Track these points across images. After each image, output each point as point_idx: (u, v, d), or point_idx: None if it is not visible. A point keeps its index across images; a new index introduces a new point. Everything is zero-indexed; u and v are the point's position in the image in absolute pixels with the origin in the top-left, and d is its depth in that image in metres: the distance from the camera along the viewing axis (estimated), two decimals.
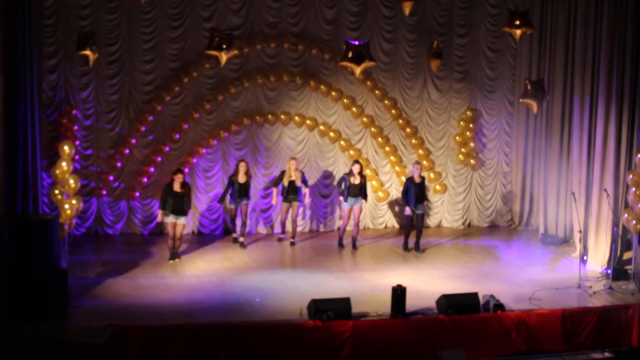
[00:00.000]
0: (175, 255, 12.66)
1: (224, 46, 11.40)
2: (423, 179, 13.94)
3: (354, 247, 13.72)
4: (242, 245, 13.64)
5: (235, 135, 14.76)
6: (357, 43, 11.61)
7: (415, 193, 13.61)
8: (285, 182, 13.70)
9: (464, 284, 11.68)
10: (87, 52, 11.63)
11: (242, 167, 13.54)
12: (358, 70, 11.39)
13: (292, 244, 13.95)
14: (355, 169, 13.54)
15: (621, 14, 12.42)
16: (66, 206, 10.99)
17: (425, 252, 13.61)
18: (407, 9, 11.66)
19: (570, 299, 11.13)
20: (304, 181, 13.87)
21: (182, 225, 12.77)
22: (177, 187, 12.53)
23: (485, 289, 11.07)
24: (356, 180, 13.53)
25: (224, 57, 11.51)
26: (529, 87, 12.99)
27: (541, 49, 14.92)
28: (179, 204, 12.50)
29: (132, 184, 14.37)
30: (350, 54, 11.43)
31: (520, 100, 13.00)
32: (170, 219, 12.53)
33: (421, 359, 9.84)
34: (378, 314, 10.17)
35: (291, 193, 13.74)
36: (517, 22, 11.88)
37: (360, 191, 13.61)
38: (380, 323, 9.97)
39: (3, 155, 9.83)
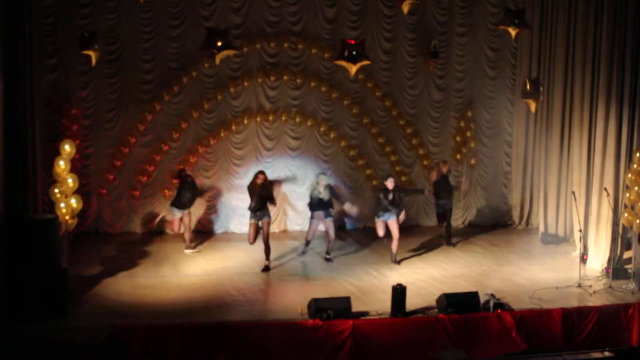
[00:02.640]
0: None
1: (219, 44, 11.40)
2: (442, 176, 13.89)
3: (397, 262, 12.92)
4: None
5: (235, 134, 14.77)
6: (352, 42, 11.61)
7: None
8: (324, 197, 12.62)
9: (464, 283, 11.69)
10: (91, 52, 11.65)
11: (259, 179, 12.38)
12: (353, 69, 11.39)
13: (328, 259, 12.91)
14: (390, 184, 12.75)
15: (621, 14, 12.41)
16: (61, 205, 10.98)
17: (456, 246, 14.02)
18: (405, 7, 11.65)
19: (570, 298, 11.13)
20: (335, 196, 12.85)
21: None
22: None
23: (486, 288, 11.09)
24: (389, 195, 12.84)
25: (218, 56, 11.52)
26: (528, 86, 13.02)
27: (541, 49, 14.92)
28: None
29: (132, 183, 14.38)
30: (346, 53, 11.44)
31: (523, 99, 13.04)
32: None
33: (421, 358, 9.84)
34: (378, 313, 10.17)
35: (320, 209, 12.68)
36: (512, 21, 11.92)
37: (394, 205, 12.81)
38: (381, 322, 9.96)
39: (3, 155, 9.83)
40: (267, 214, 12.40)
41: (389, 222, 12.74)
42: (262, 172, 12.41)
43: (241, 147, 14.85)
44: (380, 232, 12.81)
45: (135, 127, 14.30)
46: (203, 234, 14.62)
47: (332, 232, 12.80)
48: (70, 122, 13.81)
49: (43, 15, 13.16)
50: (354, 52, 11.47)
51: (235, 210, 14.64)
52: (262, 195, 12.23)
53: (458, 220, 15.89)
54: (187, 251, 13.11)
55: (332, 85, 15.02)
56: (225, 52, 11.71)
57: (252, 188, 12.26)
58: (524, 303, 10.76)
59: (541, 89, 13.34)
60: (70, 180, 11.19)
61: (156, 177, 14.45)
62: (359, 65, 11.45)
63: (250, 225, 12.35)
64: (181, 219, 13.13)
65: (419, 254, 13.48)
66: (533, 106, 13.37)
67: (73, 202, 11.19)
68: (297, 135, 15.07)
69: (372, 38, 14.86)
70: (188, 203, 13.07)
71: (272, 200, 12.46)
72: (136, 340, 9.33)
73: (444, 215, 14.11)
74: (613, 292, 11.45)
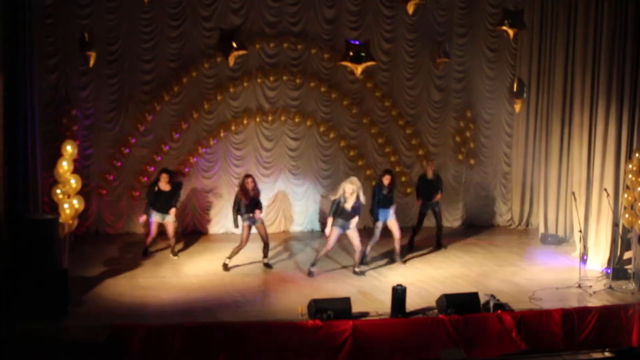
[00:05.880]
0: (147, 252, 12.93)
1: (235, 45, 11.47)
2: (437, 176, 13.90)
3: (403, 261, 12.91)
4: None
5: (235, 134, 14.77)
6: (357, 43, 11.64)
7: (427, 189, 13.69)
8: (348, 207, 11.73)
9: (464, 283, 11.69)
10: (91, 52, 11.68)
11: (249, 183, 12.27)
12: (359, 69, 11.40)
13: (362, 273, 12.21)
14: (386, 180, 12.54)
15: (621, 14, 12.42)
16: (65, 205, 10.99)
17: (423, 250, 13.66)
18: (410, 8, 11.65)
19: (570, 298, 11.13)
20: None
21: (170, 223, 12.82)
22: (163, 186, 12.64)
23: (486, 288, 11.09)
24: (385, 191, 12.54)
25: (231, 57, 11.58)
26: (515, 86, 13.07)
27: (541, 49, 14.94)
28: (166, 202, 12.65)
29: (132, 184, 14.38)
30: (350, 54, 11.45)
31: (514, 99, 13.09)
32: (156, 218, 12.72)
33: (421, 358, 9.83)
34: (378, 313, 10.16)
35: (346, 218, 11.87)
36: (510, 21, 11.95)
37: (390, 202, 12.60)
38: (381, 323, 9.96)
39: (3, 155, 9.83)
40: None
41: (389, 222, 12.63)
42: (250, 176, 12.38)
43: (240, 147, 14.86)
44: (377, 236, 12.60)
45: (135, 127, 14.30)
46: (203, 234, 14.64)
47: (357, 241, 11.94)
48: (70, 123, 13.81)
49: (43, 15, 13.16)
50: (361, 54, 11.49)
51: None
52: (254, 198, 12.23)
53: (457, 220, 15.91)
54: (172, 256, 12.95)
55: (332, 85, 15.03)
56: (238, 52, 11.79)
57: (245, 192, 12.19)
58: (524, 303, 10.76)
59: (525, 88, 13.39)
60: (73, 181, 11.19)
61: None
62: (364, 65, 11.48)
63: (245, 227, 12.24)
64: (160, 224, 12.80)
65: (419, 255, 13.48)
66: (518, 106, 13.42)
67: (75, 202, 11.19)
68: (297, 136, 15.07)
69: (371, 38, 14.85)
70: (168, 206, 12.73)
71: (260, 204, 12.41)
72: (136, 340, 9.32)
73: (424, 215, 13.82)
74: (613, 292, 11.45)
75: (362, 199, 11.83)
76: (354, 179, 11.98)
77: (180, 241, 13.55)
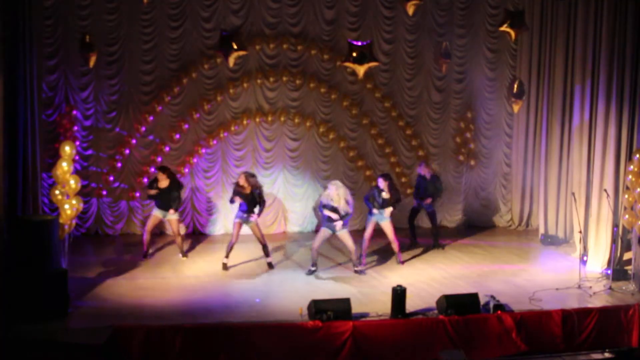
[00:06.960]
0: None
1: (235, 46, 11.48)
2: (432, 175, 13.89)
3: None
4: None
5: (235, 135, 14.78)
6: (359, 44, 11.64)
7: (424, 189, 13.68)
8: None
9: (464, 284, 11.69)
10: (92, 54, 11.69)
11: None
12: (361, 70, 11.40)
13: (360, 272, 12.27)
14: (383, 183, 12.43)
15: (621, 14, 12.42)
16: (66, 206, 10.99)
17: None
18: (410, 9, 11.64)
19: (570, 299, 11.12)
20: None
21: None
22: (162, 183, 12.59)
23: (485, 289, 11.08)
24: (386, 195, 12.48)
25: (231, 58, 11.58)
26: (515, 87, 13.07)
27: (541, 49, 14.93)
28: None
29: (132, 185, 14.38)
30: (353, 55, 11.45)
31: (513, 99, 13.10)
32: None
33: (421, 359, 9.83)
34: (378, 314, 10.16)
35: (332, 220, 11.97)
36: (511, 22, 11.97)
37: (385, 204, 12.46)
38: (381, 323, 9.96)
39: (3, 156, 9.81)
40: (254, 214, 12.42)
41: (382, 225, 12.54)
42: (252, 175, 12.39)
43: (240, 148, 14.86)
44: (368, 232, 12.50)
45: (135, 128, 14.29)
46: (202, 235, 14.64)
47: (350, 242, 12.06)
48: (70, 123, 13.81)
49: (43, 17, 13.15)
50: (363, 54, 11.48)
51: (234, 211, 14.61)
52: (254, 196, 12.23)
53: (458, 221, 15.90)
54: (181, 257, 12.96)
55: (331, 86, 15.02)
56: (238, 53, 11.79)
57: (242, 190, 12.19)
58: (524, 304, 10.75)
59: (524, 89, 13.41)
60: (72, 182, 11.19)
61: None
62: (366, 67, 11.48)
63: (236, 223, 12.30)
64: (161, 221, 12.87)
65: (419, 255, 13.48)
66: (517, 107, 13.44)
67: (74, 203, 11.19)
68: (296, 137, 15.06)
69: (371, 39, 14.83)
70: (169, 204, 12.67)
71: (262, 202, 12.44)
72: (136, 341, 9.32)
73: (416, 212, 13.96)
74: (613, 293, 11.45)
75: (350, 200, 12.01)
76: (339, 182, 12.17)
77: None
